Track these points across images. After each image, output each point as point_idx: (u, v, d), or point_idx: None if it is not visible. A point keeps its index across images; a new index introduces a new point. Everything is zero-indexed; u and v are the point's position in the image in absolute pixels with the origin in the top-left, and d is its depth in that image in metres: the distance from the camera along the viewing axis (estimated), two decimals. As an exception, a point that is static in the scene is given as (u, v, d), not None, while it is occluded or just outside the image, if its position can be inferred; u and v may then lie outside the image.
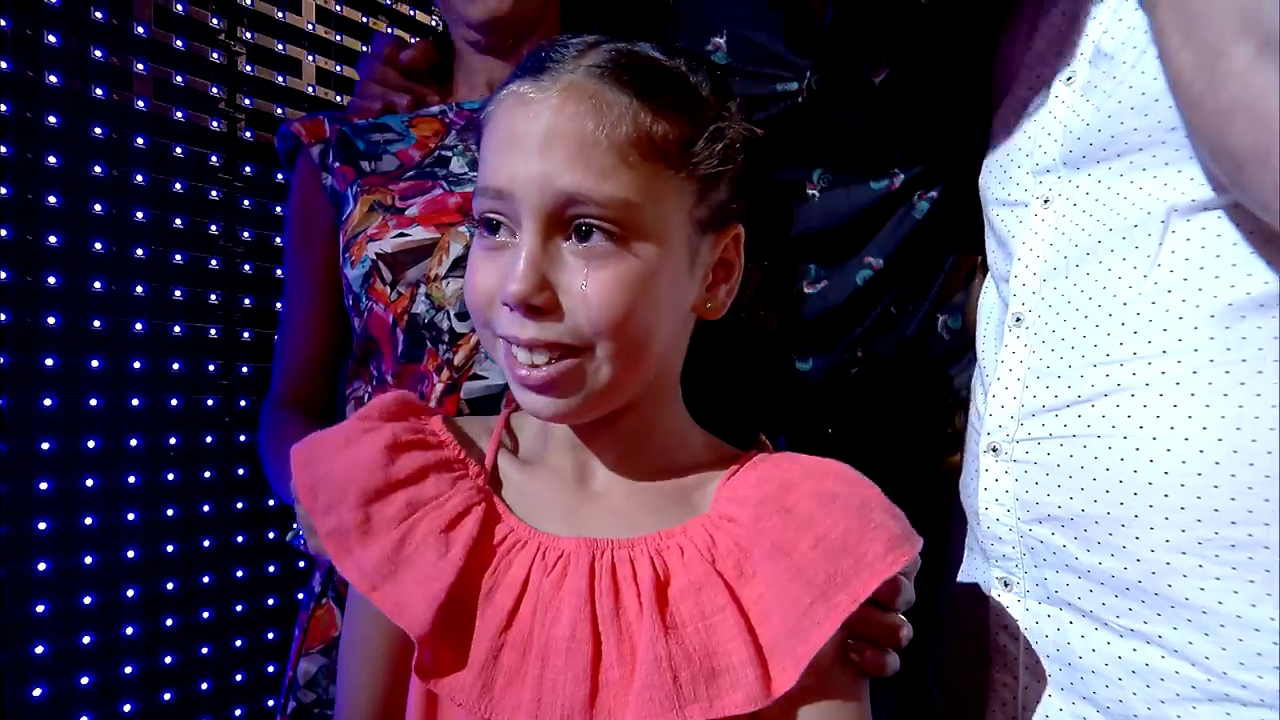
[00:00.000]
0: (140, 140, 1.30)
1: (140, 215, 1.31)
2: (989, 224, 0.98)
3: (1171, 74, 0.73)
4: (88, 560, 1.24)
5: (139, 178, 1.30)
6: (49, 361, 1.18)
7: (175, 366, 1.35)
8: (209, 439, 1.39)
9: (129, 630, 1.29)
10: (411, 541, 0.71)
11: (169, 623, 1.35)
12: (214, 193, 1.38)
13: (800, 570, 0.67)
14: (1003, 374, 0.88)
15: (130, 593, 1.29)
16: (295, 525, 0.95)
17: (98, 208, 1.25)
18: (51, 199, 1.20)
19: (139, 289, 1.30)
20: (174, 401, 1.34)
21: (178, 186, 1.34)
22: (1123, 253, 0.80)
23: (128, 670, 1.29)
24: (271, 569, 1.49)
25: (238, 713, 1.44)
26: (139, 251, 1.30)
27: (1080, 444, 0.81)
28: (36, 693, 1.18)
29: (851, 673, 0.69)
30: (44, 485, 1.19)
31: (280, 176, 1.40)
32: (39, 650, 1.18)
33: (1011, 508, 0.86)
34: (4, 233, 1.14)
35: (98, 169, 1.24)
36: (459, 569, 0.69)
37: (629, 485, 0.75)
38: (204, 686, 1.40)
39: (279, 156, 1.14)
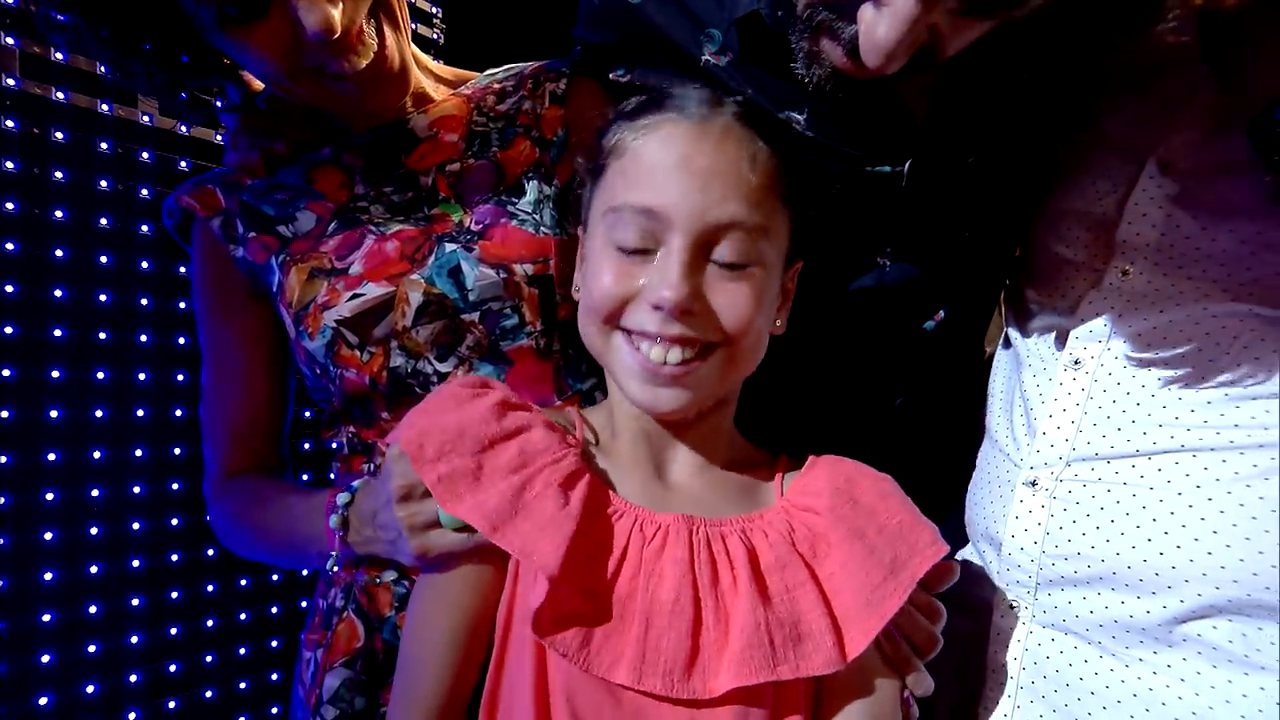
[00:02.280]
0: (146, 154, 1.34)
1: (146, 228, 1.34)
2: (1038, 267, 1.01)
3: None
4: (93, 570, 1.27)
5: (144, 191, 1.34)
6: (55, 374, 1.22)
7: (180, 378, 1.38)
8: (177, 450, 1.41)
9: (134, 639, 1.32)
10: (531, 490, 0.78)
11: (173, 631, 1.38)
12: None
13: (872, 551, 0.79)
14: (1055, 413, 0.91)
15: (135, 601, 1.32)
16: (334, 553, 0.97)
17: (104, 221, 1.28)
18: (58, 212, 1.23)
19: (144, 301, 1.33)
20: (179, 412, 1.37)
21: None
22: (1198, 323, 0.85)
23: (132, 679, 1.31)
24: (275, 577, 1.51)
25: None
26: (143, 264, 1.33)
27: (1128, 492, 0.85)
28: (43, 701, 1.20)
29: (888, 672, 0.81)
30: (50, 495, 1.23)
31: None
32: (45, 660, 1.21)
33: (1039, 540, 0.90)
34: (11, 246, 1.17)
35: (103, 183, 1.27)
36: (578, 521, 0.76)
37: (703, 477, 0.86)
38: (208, 694, 1.42)
39: (169, 231, 1.11)
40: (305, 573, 1.54)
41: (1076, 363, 0.93)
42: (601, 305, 0.82)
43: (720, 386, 0.84)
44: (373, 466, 1.06)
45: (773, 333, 0.88)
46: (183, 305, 1.39)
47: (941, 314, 1.11)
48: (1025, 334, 1.03)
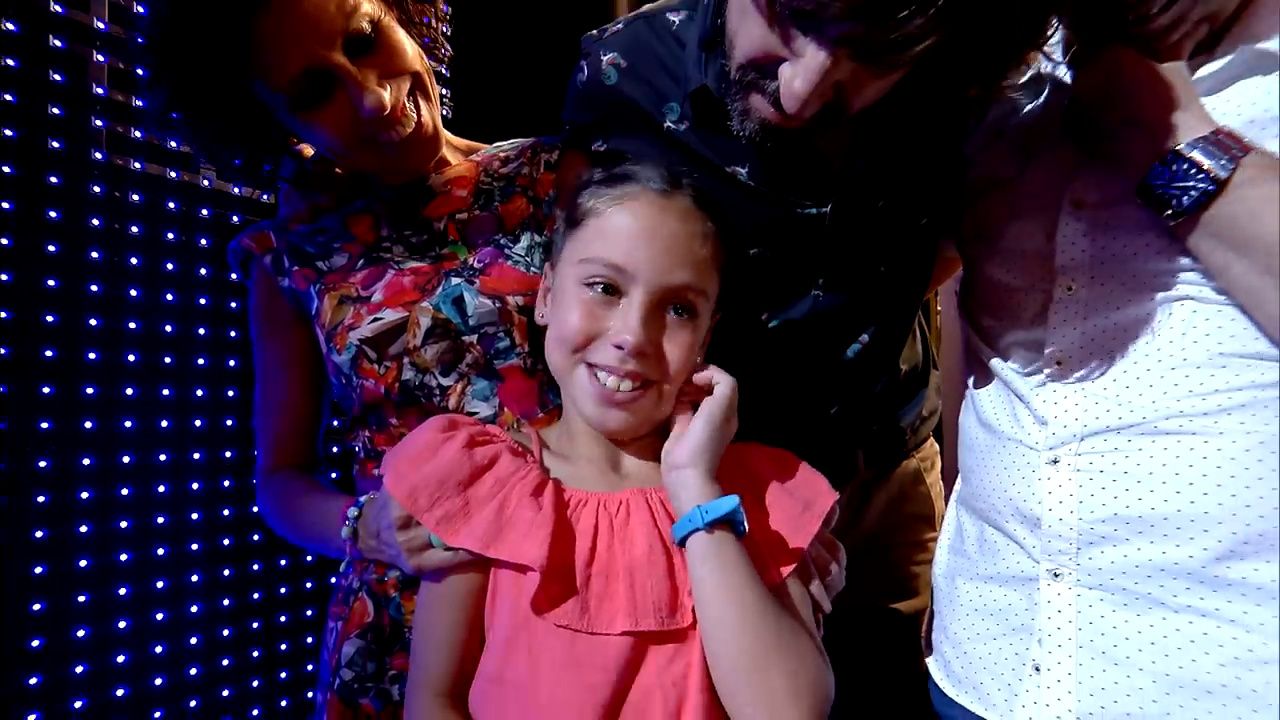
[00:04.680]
0: (205, 211, 1.50)
1: (204, 271, 1.50)
2: (993, 297, 1.08)
3: (1267, 312, 0.83)
4: (160, 551, 1.44)
5: (203, 241, 1.50)
6: (129, 391, 1.40)
7: (230, 394, 1.55)
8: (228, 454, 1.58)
9: (193, 609, 1.50)
10: (509, 506, 0.89)
11: (225, 601, 1.55)
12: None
13: (790, 493, 0.96)
14: (1058, 400, 0.97)
15: (194, 577, 1.50)
16: (346, 555, 1.09)
17: (170, 266, 1.45)
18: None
19: (201, 330, 1.50)
20: (229, 422, 1.54)
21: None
22: (1156, 320, 0.92)
23: (192, 641, 1.50)
24: (309, 558, 1.70)
25: (283, 703, 1.67)
26: (201, 300, 1.50)
27: (1145, 455, 0.90)
28: (120, 659, 1.38)
29: (802, 588, 0.94)
30: (124, 491, 1.39)
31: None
32: (121, 625, 1.39)
33: (1074, 509, 0.94)
34: (95, 288, 1.35)
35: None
36: (553, 519, 0.88)
37: (648, 465, 0.98)
38: (255, 654, 1.60)
39: (233, 264, 1.23)
40: (310, 558, 1.72)
41: (1059, 363, 0.98)
42: (571, 339, 0.93)
43: (655, 414, 0.95)
44: (380, 472, 1.17)
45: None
46: (233, 334, 1.55)
47: (865, 337, 1.21)
48: (998, 351, 1.08)
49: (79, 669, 1.33)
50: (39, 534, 1.28)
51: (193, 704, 1.49)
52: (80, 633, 1.33)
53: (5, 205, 1.21)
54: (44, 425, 1.28)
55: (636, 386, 0.92)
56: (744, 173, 1.10)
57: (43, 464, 1.29)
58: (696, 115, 1.08)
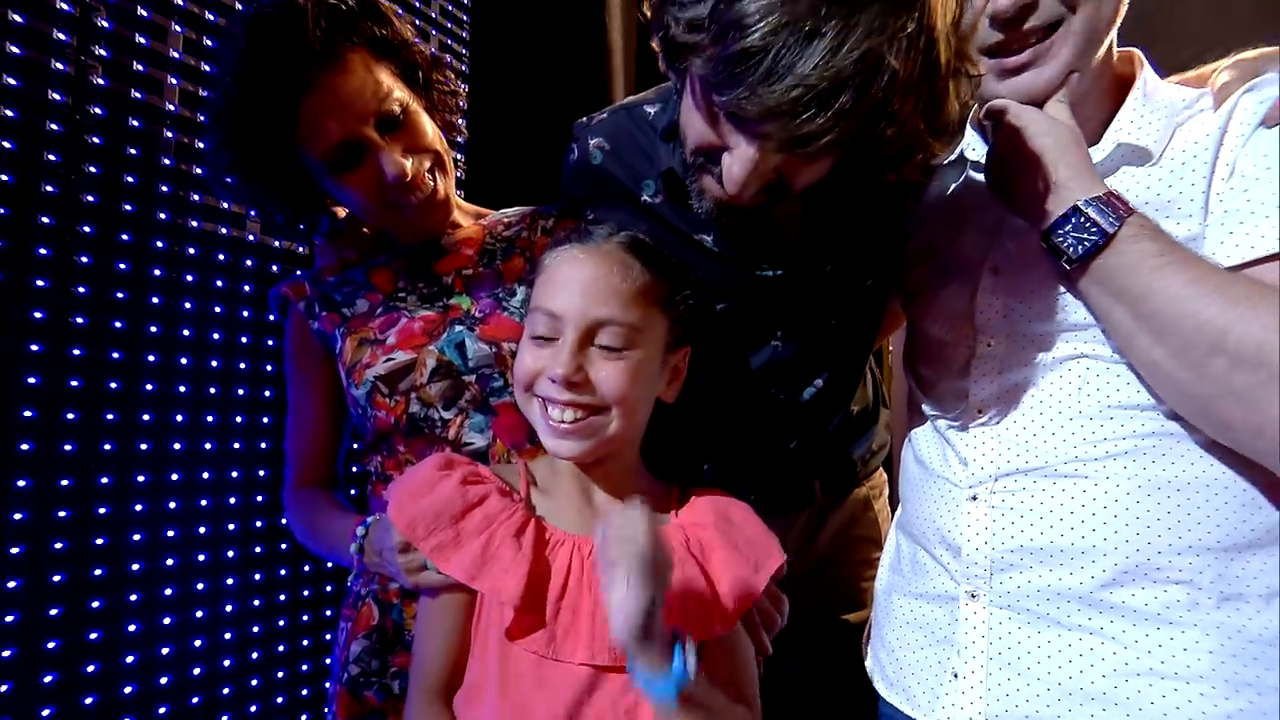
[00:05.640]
0: (249, 261, 1.64)
1: (246, 313, 1.64)
2: (929, 351, 1.18)
3: (1141, 358, 0.91)
4: (200, 558, 1.57)
5: (247, 287, 1.66)
6: (179, 417, 1.54)
7: (265, 420, 1.69)
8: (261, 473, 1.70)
9: (228, 608, 1.63)
10: (493, 544, 0.95)
11: (256, 602, 1.68)
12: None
13: (742, 554, 1.00)
14: (977, 445, 1.06)
15: (229, 580, 1.63)
16: (359, 536, 1.16)
17: (218, 309, 1.59)
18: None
19: (242, 365, 1.64)
20: (263, 445, 1.68)
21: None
22: (1059, 374, 1.00)
23: (226, 636, 1.62)
24: (329, 565, 1.82)
25: (304, 692, 1.79)
26: (243, 339, 1.64)
27: (1046, 495, 0.98)
28: (164, 650, 1.52)
29: (748, 638, 1.02)
30: (172, 504, 1.53)
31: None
32: (166, 621, 1.51)
33: (989, 540, 1.02)
34: (154, 329, 1.50)
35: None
36: (531, 559, 0.95)
37: (618, 504, 1.00)
38: (280, 648, 1.74)
39: (273, 308, 1.36)
40: (330, 565, 1.81)
41: (980, 411, 1.07)
42: (522, 379, 1.01)
43: (609, 438, 1.00)
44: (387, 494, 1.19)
45: (666, 400, 1.07)
46: (269, 368, 1.68)
47: (820, 382, 1.32)
48: (931, 397, 1.17)
49: (129, 659, 1.46)
50: (99, 541, 1.42)
51: (225, 690, 1.61)
52: (131, 627, 1.47)
53: (84, 259, 1.38)
54: (106, 447, 1.43)
55: (579, 416, 0.98)
56: (709, 240, 1.22)
57: (104, 480, 1.43)
58: (668, 191, 1.21)
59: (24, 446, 1.32)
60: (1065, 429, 0.98)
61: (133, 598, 1.48)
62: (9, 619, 1.30)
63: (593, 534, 0.95)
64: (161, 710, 1.51)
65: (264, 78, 1.12)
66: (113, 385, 1.45)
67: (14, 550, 1.31)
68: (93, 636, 1.42)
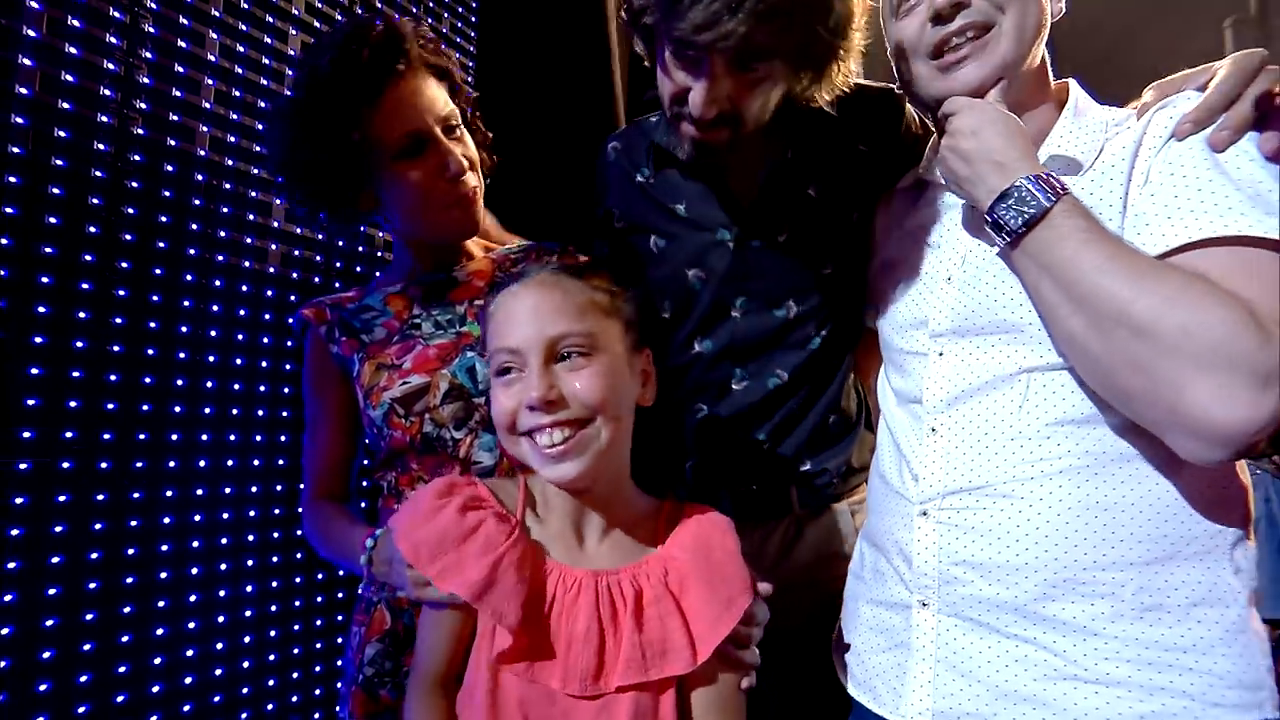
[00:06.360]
0: (269, 292, 1.75)
1: (240, 337, 1.76)
2: (895, 364, 1.23)
3: (1060, 328, 0.95)
4: (222, 567, 1.66)
5: (267, 316, 1.78)
6: (204, 436, 1.64)
7: (283, 438, 1.78)
8: (279, 487, 1.79)
9: (247, 613, 1.72)
10: (498, 570, 0.98)
11: (273, 607, 1.77)
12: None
13: (715, 592, 1.02)
14: (929, 463, 1.10)
15: (249, 588, 1.72)
16: (368, 548, 1.21)
17: (212, 333, 1.70)
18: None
19: (261, 387, 1.74)
20: (281, 461, 1.78)
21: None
22: (1000, 392, 1.05)
23: (246, 639, 1.71)
24: (341, 573, 1.91)
25: (317, 691, 1.89)
26: (263, 363, 1.74)
27: (987, 514, 1.03)
28: (191, 628, 1.63)
29: (727, 668, 1.05)
30: (197, 518, 1.63)
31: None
32: (190, 625, 1.61)
33: (936, 554, 1.07)
34: (182, 355, 1.61)
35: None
36: (527, 589, 0.99)
37: (609, 535, 1.07)
38: (295, 651, 1.82)
39: (293, 331, 1.44)
40: (342, 572, 1.89)
41: (933, 430, 1.11)
42: (503, 421, 1.02)
43: (603, 450, 1.01)
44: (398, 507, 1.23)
45: (644, 403, 1.10)
46: (286, 391, 1.79)
47: (783, 374, 1.44)
48: (894, 412, 1.22)
49: (157, 660, 1.56)
50: (130, 551, 1.53)
51: (245, 690, 1.70)
52: (159, 631, 1.57)
53: (121, 292, 1.51)
54: (138, 465, 1.54)
55: (568, 435, 0.99)
56: (682, 209, 1.45)
57: (136, 495, 1.54)
58: (655, 160, 1.47)
59: (64, 465, 1.44)
60: (1007, 448, 1.03)
61: (161, 604, 1.58)
62: (49, 623, 1.42)
63: (578, 565, 1.03)
64: (186, 708, 1.60)
65: (360, 63, 1.25)
66: (145, 408, 1.56)
67: (54, 560, 1.42)
68: (124, 639, 1.52)
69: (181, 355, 1.62)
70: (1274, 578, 2.66)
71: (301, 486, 1.44)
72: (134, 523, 1.53)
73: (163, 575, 1.58)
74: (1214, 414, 0.84)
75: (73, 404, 1.44)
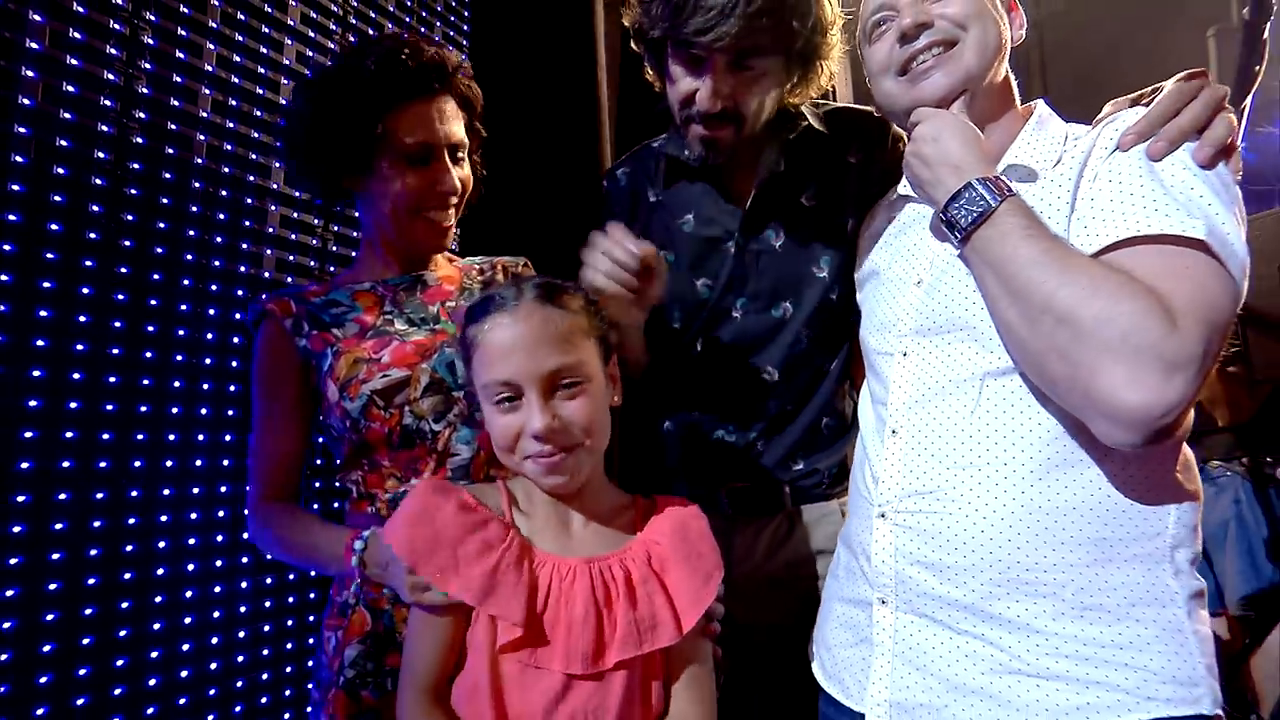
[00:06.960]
0: (240, 291, 1.73)
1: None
2: (870, 365, 1.27)
3: (1000, 319, 1.01)
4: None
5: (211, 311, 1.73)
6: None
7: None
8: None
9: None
10: (499, 571, 1.04)
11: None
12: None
13: (695, 570, 1.11)
14: (887, 467, 1.15)
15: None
16: (355, 580, 1.25)
17: (209, 336, 1.68)
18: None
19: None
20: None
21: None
22: (956, 396, 1.09)
23: (214, 640, 1.68)
24: (291, 576, 1.87)
25: (287, 692, 1.85)
26: (208, 360, 1.73)
27: (939, 516, 1.07)
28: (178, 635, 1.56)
29: (704, 640, 1.14)
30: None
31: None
32: (156, 626, 1.57)
33: (893, 554, 1.12)
34: (116, 351, 1.58)
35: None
36: (530, 587, 1.05)
37: (592, 526, 1.14)
38: (264, 652, 1.80)
39: (246, 322, 1.42)
40: (313, 574, 1.87)
41: (894, 432, 1.15)
42: (503, 442, 1.08)
43: (589, 465, 1.10)
44: (374, 509, 1.33)
45: (614, 405, 1.14)
46: (231, 388, 1.74)
47: (774, 370, 1.50)
48: (866, 414, 1.27)
49: (119, 662, 1.53)
50: (93, 552, 1.50)
51: (212, 692, 1.67)
52: (122, 632, 1.54)
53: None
54: (102, 465, 1.52)
55: (566, 455, 1.07)
56: (690, 220, 1.55)
57: (99, 495, 1.52)
58: (667, 177, 1.58)
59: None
60: (957, 451, 1.08)
61: (124, 605, 1.55)
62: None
63: (569, 554, 1.10)
64: (149, 710, 1.58)
65: (405, 70, 1.36)
66: (109, 408, 1.55)
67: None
68: (85, 642, 1.50)
69: (179, 358, 1.64)
70: (1246, 577, 2.71)
71: (249, 485, 1.40)
72: (98, 524, 1.52)
73: (126, 576, 1.56)
74: (1123, 398, 0.89)
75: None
